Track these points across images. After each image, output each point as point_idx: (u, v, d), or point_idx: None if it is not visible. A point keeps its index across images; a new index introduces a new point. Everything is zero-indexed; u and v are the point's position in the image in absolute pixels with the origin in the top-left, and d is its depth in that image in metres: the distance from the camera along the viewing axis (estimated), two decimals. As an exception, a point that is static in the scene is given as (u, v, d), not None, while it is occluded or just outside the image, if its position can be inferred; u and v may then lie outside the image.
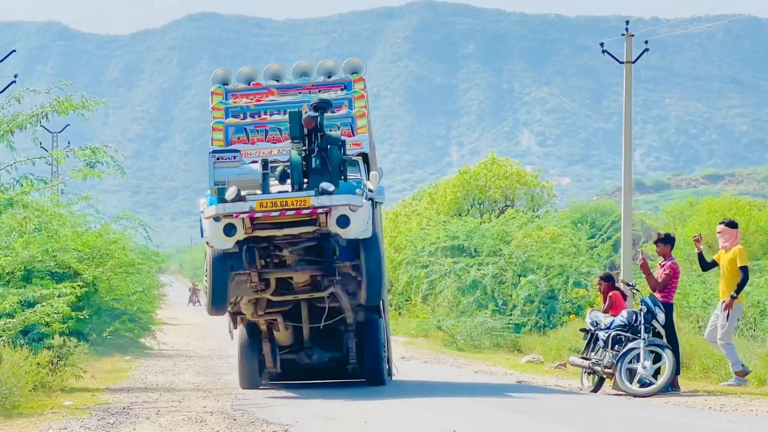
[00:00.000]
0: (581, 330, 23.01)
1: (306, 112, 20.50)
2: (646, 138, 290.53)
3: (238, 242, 20.11)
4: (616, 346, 21.00)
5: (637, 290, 22.15)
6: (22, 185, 20.49)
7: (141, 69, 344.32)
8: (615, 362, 20.77)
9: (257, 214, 19.76)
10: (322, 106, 20.62)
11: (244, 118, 22.10)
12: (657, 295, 21.16)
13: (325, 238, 20.30)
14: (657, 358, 20.52)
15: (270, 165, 20.37)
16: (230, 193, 19.67)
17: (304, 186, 20.14)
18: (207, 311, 20.94)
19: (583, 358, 22.11)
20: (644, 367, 20.40)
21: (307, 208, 19.75)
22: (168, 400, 19.94)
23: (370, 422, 15.57)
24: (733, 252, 21.73)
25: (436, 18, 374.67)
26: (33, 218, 20.23)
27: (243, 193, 19.81)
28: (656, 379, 20.34)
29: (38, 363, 20.88)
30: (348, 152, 21.32)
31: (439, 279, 38.01)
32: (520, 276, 36.39)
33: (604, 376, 21.41)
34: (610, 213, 51.40)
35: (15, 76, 55.43)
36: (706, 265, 22.58)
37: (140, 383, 24.11)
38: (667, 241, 21.78)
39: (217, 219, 19.90)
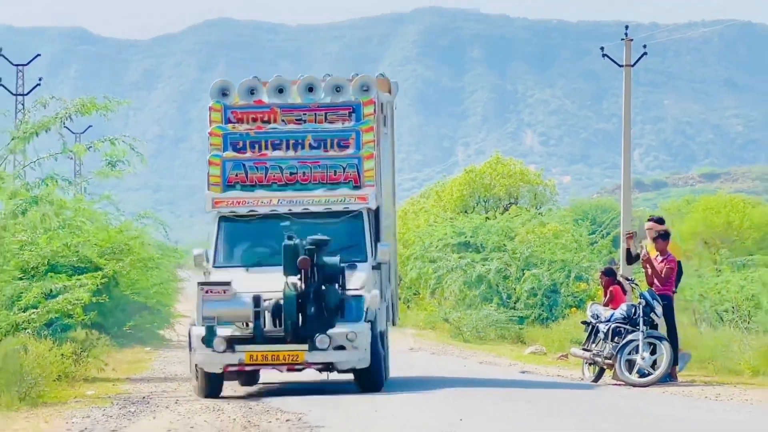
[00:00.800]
0: (582, 322, 22.98)
1: (301, 246, 18.39)
2: (645, 138, 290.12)
3: (229, 370, 18.59)
4: (616, 338, 20.99)
5: (636, 284, 22.11)
6: (47, 184, 20.44)
7: (160, 72, 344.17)
8: (615, 353, 20.76)
9: (247, 368, 18.61)
10: (319, 244, 18.50)
11: (243, 149, 19.97)
12: (656, 287, 21.17)
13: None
14: (655, 350, 20.52)
15: (262, 301, 18.32)
16: (218, 343, 18.15)
17: (296, 334, 18.24)
18: (198, 395, 19.18)
19: (584, 349, 22.09)
20: (643, 358, 20.39)
21: (300, 364, 18.40)
22: (186, 389, 19.94)
23: (380, 410, 15.57)
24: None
25: (443, 23, 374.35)
26: (52, 216, 20.16)
27: (232, 337, 18.30)
28: (654, 370, 20.34)
29: (62, 354, 20.88)
30: (351, 207, 19.85)
31: (446, 274, 38.01)
32: (523, 270, 36.39)
33: (605, 367, 21.40)
34: (610, 210, 51.37)
35: (39, 80, 55.64)
36: (631, 260, 22.63)
37: (160, 373, 24.13)
38: (664, 236, 21.75)
39: (205, 343, 18.44)
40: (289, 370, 18.59)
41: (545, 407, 16.28)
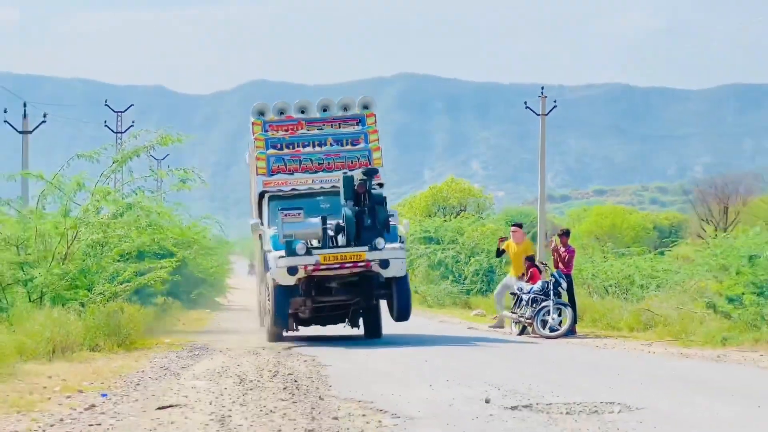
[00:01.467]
0: (511, 293, 23.01)
1: (358, 180, 17.94)
2: (555, 165, 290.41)
3: (298, 279, 17.77)
4: (534, 304, 21.00)
5: (547, 267, 22.17)
6: (138, 195, 20.57)
7: (217, 118, 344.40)
8: (533, 315, 20.79)
9: (321, 267, 17.58)
10: (370, 173, 18.17)
11: (281, 148, 19.55)
12: (561, 269, 21.26)
13: (366, 275, 18.06)
14: (561, 313, 20.57)
15: (327, 221, 17.86)
16: (300, 248, 17.50)
17: (357, 241, 17.73)
18: (268, 335, 18.58)
19: (512, 312, 22.12)
20: (553, 319, 20.43)
21: (362, 261, 17.63)
22: (235, 339, 19.92)
23: (371, 355, 15.58)
24: (524, 245, 22.94)
25: (415, 83, 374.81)
26: (141, 217, 20.18)
27: (308, 246, 17.66)
28: (561, 327, 20.37)
29: (147, 314, 20.94)
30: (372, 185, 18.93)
31: (416, 259, 37.89)
32: (470, 257, 36.31)
33: (526, 325, 21.43)
34: (531, 215, 51.33)
35: (132, 122, 55.76)
36: (499, 254, 24.06)
37: (216, 328, 24.09)
38: (566, 234, 22.12)
39: (281, 261, 17.73)
40: (352, 268, 17.63)
41: (489, 350, 16.28)
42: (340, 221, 17.93)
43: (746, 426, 8.44)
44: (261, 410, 9.48)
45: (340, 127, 19.82)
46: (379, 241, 17.68)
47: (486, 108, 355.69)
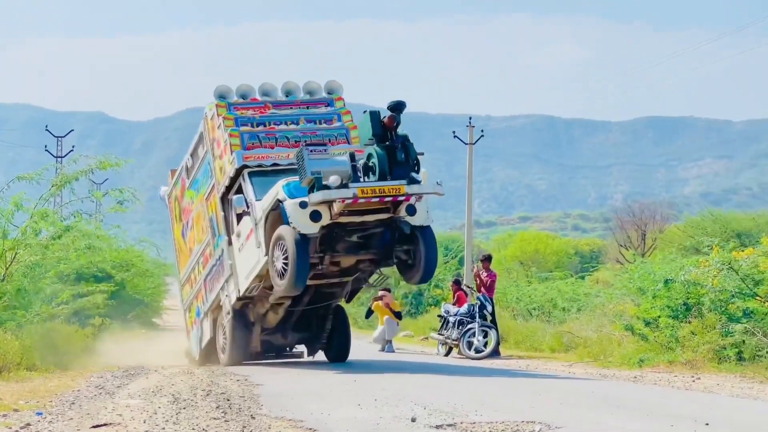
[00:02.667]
0: (438, 316, 23.08)
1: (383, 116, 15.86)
2: (481, 192, 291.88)
3: (321, 227, 15.60)
4: (460, 326, 21.08)
5: (473, 290, 22.27)
6: (76, 218, 20.44)
7: (155, 143, 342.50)
8: (459, 337, 20.86)
9: (360, 200, 15.25)
10: (399, 107, 15.91)
11: (253, 126, 17.52)
12: (483, 293, 21.38)
13: (389, 226, 16.06)
14: (486, 335, 20.64)
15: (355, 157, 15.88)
16: (333, 180, 15.24)
17: (391, 177, 15.59)
18: (288, 291, 15.88)
19: (439, 333, 22.17)
20: (478, 341, 20.50)
21: (402, 195, 15.42)
22: (170, 359, 19.77)
23: (300, 374, 15.50)
24: (392, 304, 24.36)
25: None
26: (79, 239, 20.01)
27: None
28: (486, 348, 20.44)
29: (84, 334, 20.71)
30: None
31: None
32: (400, 281, 36.38)
33: (452, 346, 21.48)
34: (458, 240, 51.48)
35: (72, 147, 55.31)
36: (368, 314, 25.56)
37: (153, 349, 23.86)
38: (488, 259, 22.21)
39: (303, 206, 15.46)
40: (392, 202, 15.58)
41: (415, 371, 16.27)
42: (367, 161, 15.78)
43: (661, 444, 8.51)
44: (194, 429, 9.39)
45: (308, 109, 18.03)
46: (417, 175, 15.71)
47: (414, 137, 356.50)
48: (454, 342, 21.17)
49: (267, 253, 16.11)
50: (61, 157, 55.10)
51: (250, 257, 16.83)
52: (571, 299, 27.16)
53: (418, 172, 15.84)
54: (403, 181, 15.48)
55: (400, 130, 15.88)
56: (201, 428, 9.41)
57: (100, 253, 24.67)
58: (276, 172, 17.00)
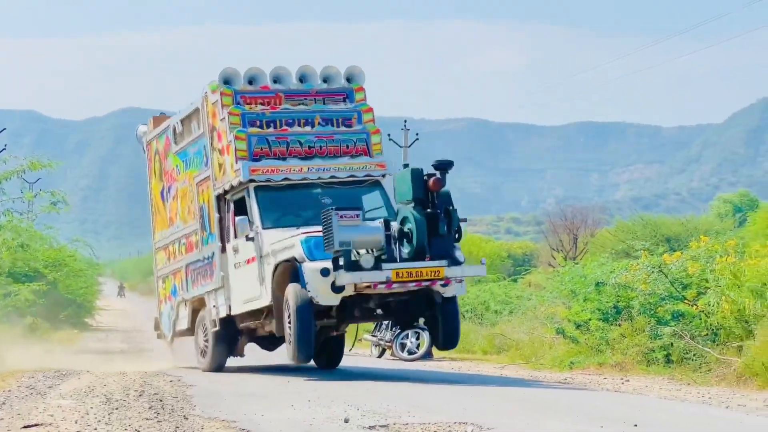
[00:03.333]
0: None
1: (429, 175, 14.05)
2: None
3: (343, 298, 13.83)
4: (394, 328, 21.14)
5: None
6: (8, 217, 20.26)
7: (89, 143, 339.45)
8: (392, 339, 20.93)
9: (394, 285, 13.57)
10: (446, 166, 14.20)
11: (262, 126, 15.46)
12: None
13: (417, 294, 14.30)
14: (419, 337, 20.72)
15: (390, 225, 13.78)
16: (366, 261, 13.44)
17: (429, 252, 13.68)
18: (290, 359, 14.29)
19: (372, 335, 22.22)
20: (411, 342, 20.59)
21: (441, 279, 13.76)
22: (103, 359, 19.61)
23: (235, 376, 15.46)
24: None
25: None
26: (10, 239, 19.79)
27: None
28: (418, 350, 20.53)
29: (15, 334, 20.52)
30: (374, 174, 15.70)
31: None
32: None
33: (386, 348, 21.55)
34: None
35: (5, 146, 54.58)
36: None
37: (83, 348, 23.67)
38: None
39: (325, 273, 13.54)
40: (428, 286, 13.82)
41: (349, 372, 16.30)
42: (402, 226, 13.85)
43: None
44: (126, 429, 9.34)
45: (325, 102, 15.98)
46: (460, 254, 14.00)
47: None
48: (388, 344, 21.24)
49: (272, 300, 14.58)
50: (-8, 156, 54.50)
51: (249, 286, 15.25)
52: (503, 302, 27.33)
53: (459, 240, 14.14)
54: (444, 262, 13.72)
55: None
56: (133, 429, 9.36)
57: (32, 252, 24.45)
58: (287, 187, 15.29)
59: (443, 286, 14.03)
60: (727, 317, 15.47)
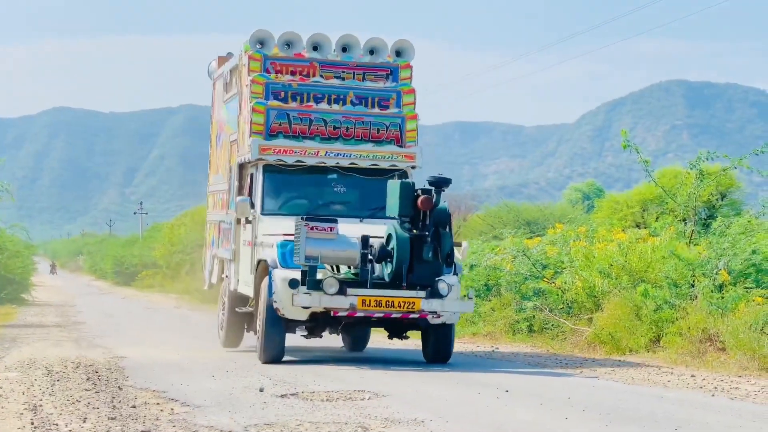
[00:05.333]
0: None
1: (423, 190, 11.25)
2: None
3: (310, 314, 11.38)
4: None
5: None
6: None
7: (24, 138, 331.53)
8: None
9: (359, 313, 11.10)
10: (441, 185, 11.32)
11: (286, 99, 12.76)
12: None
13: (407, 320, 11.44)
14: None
15: (369, 241, 11.17)
16: (330, 284, 10.98)
17: (410, 277, 11.13)
18: (259, 359, 11.99)
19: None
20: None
21: (415, 312, 11.14)
22: (40, 333, 19.20)
23: (160, 348, 15.29)
24: None
25: (198, 114, 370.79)
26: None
27: (338, 279, 11.16)
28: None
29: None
30: (399, 165, 12.70)
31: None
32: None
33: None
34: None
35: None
36: None
37: (22, 323, 23.13)
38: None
39: (293, 285, 11.08)
40: (402, 318, 11.26)
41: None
42: (384, 242, 11.29)
43: (466, 404, 8.76)
44: (68, 400, 9.21)
45: (364, 79, 13.10)
46: (443, 287, 11.21)
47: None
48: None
49: (254, 294, 12.56)
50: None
51: (246, 269, 13.12)
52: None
53: (450, 266, 11.41)
54: (422, 293, 11.14)
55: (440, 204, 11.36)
56: (75, 399, 9.24)
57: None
58: (300, 170, 12.74)
59: (434, 315, 11.27)
60: (579, 293, 15.88)
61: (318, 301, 11.07)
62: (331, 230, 11.00)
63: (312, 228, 10.95)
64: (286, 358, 12.30)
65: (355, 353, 14.28)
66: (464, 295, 11.70)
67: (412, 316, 11.23)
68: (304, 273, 11.10)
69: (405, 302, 11.13)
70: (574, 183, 78.65)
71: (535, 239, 18.88)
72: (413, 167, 12.87)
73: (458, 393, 9.62)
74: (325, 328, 12.07)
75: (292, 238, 11.47)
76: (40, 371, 11.57)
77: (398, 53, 13.20)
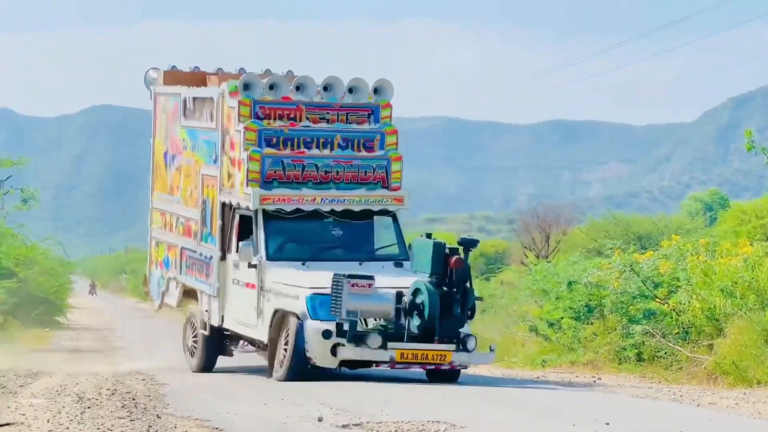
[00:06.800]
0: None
1: (451, 250, 13.49)
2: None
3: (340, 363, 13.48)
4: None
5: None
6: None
7: (60, 141, 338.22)
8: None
9: (397, 366, 13.31)
10: (470, 246, 13.72)
11: (278, 145, 14.68)
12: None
13: None
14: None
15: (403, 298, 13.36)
16: (374, 341, 13.07)
17: (439, 331, 13.31)
18: (278, 379, 13.87)
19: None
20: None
21: (447, 365, 13.43)
22: (75, 358, 19.53)
23: (208, 375, 15.41)
24: None
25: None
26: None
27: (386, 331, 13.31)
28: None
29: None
30: (389, 208, 15.11)
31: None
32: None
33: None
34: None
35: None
36: None
37: (56, 347, 23.56)
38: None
39: (327, 336, 13.18)
40: (435, 369, 13.61)
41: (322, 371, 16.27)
42: (414, 297, 13.40)
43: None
44: (98, 428, 9.30)
45: (348, 120, 15.16)
46: (471, 344, 13.56)
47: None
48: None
49: (267, 339, 14.21)
50: (-36, 154, 54.24)
51: (245, 310, 14.80)
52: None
53: (471, 318, 13.87)
54: (452, 347, 13.39)
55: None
56: (106, 428, 9.32)
57: (2, 250, 24.34)
58: (298, 218, 14.67)
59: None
60: (698, 316, 15.58)
61: (360, 354, 13.12)
62: (370, 286, 13.07)
63: (353, 285, 12.98)
64: (349, 383, 12.31)
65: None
66: (489, 349, 13.95)
67: (443, 367, 13.46)
68: (339, 325, 13.10)
69: (438, 355, 13.34)
70: (693, 192, 77.67)
71: (647, 254, 18.59)
72: (402, 209, 15.21)
73: (548, 426, 9.48)
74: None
75: (320, 292, 13.47)
76: (69, 398, 11.73)
77: (377, 91, 15.24)
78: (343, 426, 9.39)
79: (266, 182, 14.61)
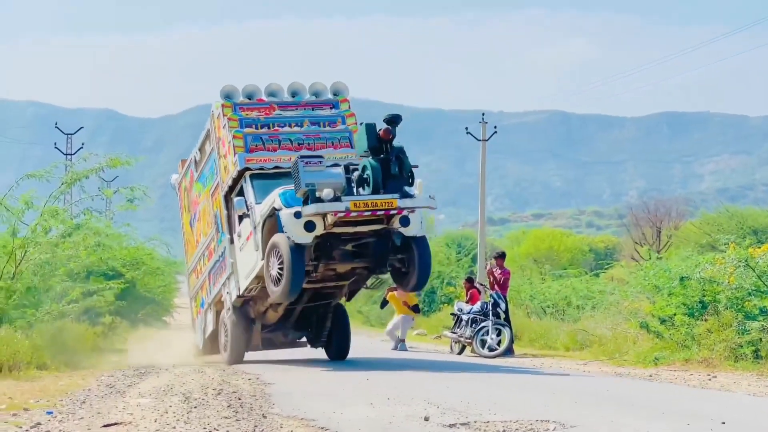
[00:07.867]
0: (451, 314, 23.07)
1: (380, 128, 16.23)
2: (494, 189, 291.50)
3: (315, 237, 15.96)
4: (474, 324, 21.08)
5: (486, 288, 22.23)
6: (86, 216, 20.42)
7: (165, 140, 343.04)
8: (473, 335, 20.85)
9: (352, 213, 15.64)
10: (395, 120, 16.29)
11: (257, 128, 17.66)
12: (496, 290, 21.31)
13: (383, 235, 16.39)
14: (500, 333, 20.63)
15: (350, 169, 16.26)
16: (327, 193, 15.61)
17: (384, 191, 15.94)
18: (282, 298, 16.34)
19: (452, 332, 22.17)
20: (491, 339, 20.49)
21: (395, 209, 15.78)
22: (179, 358, 19.80)
23: (314, 374, 15.51)
24: (406, 296, 23.75)
25: (361, 109, 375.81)
26: (90, 237, 19.98)
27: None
28: (499, 347, 20.43)
29: (95, 333, 20.79)
30: (354, 162, 17.14)
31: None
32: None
33: (466, 344, 21.48)
34: (471, 238, 51.52)
35: (82, 144, 55.49)
36: (383, 305, 26.10)
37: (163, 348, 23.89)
38: (502, 256, 22.03)
39: (298, 216, 15.78)
40: (385, 215, 15.87)
41: (428, 369, 16.26)
42: (360, 172, 16.16)
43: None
44: (205, 428, 9.41)
45: (314, 110, 18.14)
46: (410, 189, 16.11)
47: (427, 133, 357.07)
48: (468, 340, 21.16)
49: (264, 257, 16.47)
50: (71, 154, 55.27)
51: (249, 258, 17.19)
52: (585, 297, 27.09)
53: (412, 184, 16.23)
54: (396, 195, 15.84)
55: (396, 142, 16.26)
56: (212, 427, 9.43)
57: (110, 251, 24.75)
58: (278, 175, 17.21)
59: (404, 225, 16.15)
60: (817, 311, 15.20)
61: (322, 208, 15.52)
62: (320, 163, 15.84)
63: (306, 163, 15.72)
64: (456, 380, 12.23)
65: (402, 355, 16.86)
66: (429, 196, 16.31)
67: (392, 212, 15.83)
68: (305, 200, 15.68)
69: (385, 202, 15.74)
70: (811, 183, 75.77)
71: (763, 248, 18.20)
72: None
73: (662, 426, 9.33)
74: (329, 257, 16.40)
75: (289, 188, 16.18)
76: (176, 398, 11.90)
77: (335, 93, 18.36)
78: (450, 425, 9.37)
79: (250, 153, 17.45)
